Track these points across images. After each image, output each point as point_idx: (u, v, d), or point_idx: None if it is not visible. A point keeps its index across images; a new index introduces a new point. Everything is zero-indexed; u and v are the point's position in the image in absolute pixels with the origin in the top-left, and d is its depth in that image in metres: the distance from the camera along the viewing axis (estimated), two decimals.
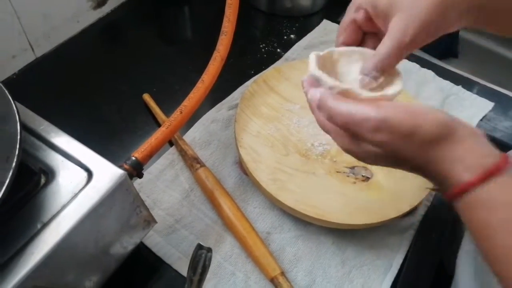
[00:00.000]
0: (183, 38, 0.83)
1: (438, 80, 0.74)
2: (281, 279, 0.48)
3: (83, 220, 0.39)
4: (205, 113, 0.65)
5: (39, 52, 0.71)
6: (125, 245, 0.45)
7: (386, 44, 0.35)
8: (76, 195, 0.41)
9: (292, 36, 0.81)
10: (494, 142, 0.32)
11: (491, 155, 0.30)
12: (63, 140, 0.45)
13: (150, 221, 0.47)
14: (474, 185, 0.29)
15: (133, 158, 0.46)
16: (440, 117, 0.31)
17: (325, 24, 0.83)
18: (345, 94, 0.35)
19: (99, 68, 0.73)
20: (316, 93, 0.36)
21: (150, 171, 0.58)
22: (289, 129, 0.59)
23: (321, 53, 0.39)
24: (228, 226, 0.53)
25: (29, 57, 0.69)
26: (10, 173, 0.36)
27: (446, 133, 0.31)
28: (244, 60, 0.75)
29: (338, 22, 0.83)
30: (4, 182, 0.35)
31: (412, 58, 0.77)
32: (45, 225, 0.38)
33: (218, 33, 0.57)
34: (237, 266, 0.51)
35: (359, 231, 0.55)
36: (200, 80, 0.54)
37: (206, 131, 0.63)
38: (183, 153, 0.59)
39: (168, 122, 0.49)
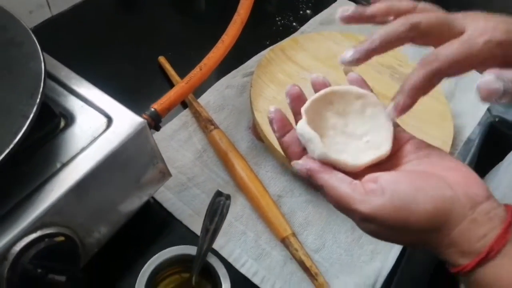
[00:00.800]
0: (198, 7, 0.83)
1: None
2: (292, 240, 0.48)
3: (101, 163, 0.39)
4: (217, 81, 0.65)
5: (55, 10, 0.71)
6: (139, 195, 0.45)
7: (454, 46, 0.31)
8: (95, 139, 0.41)
9: (308, 11, 0.81)
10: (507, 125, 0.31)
11: (487, 236, 0.28)
12: (83, 87, 0.45)
13: (165, 173, 0.47)
14: (472, 269, 0.28)
15: (152, 109, 0.46)
16: (430, 210, 0.28)
17: (341, 2, 0.83)
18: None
19: (114, 31, 0.72)
20: (305, 165, 0.32)
21: (163, 131, 0.57)
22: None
23: (313, 98, 0.35)
24: (241, 187, 0.53)
25: (45, 14, 0.69)
26: (34, 109, 0.36)
27: (438, 225, 0.29)
28: (259, 32, 0.75)
29: (354, 0, 0.83)
30: (28, 117, 0.35)
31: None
32: (64, 165, 0.39)
33: (233, 4, 0.57)
34: (248, 226, 0.51)
35: None
36: (220, 40, 0.54)
37: (220, 96, 0.63)
38: (197, 114, 0.59)
39: (188, 78, 0.49)
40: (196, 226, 0.50)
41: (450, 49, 0.31)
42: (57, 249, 0.36)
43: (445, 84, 0.70)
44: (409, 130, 0.56)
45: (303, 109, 0.34)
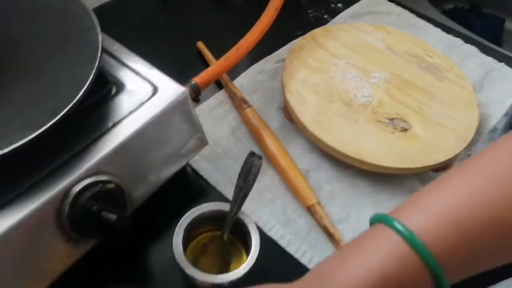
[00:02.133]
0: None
1: (481, 56, 0.76)
2: (317, 208, 0.52)
3: (147, 125, 0.44)
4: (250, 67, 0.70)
5: None
6: (179, 159, 0.49)
7: None
8: (142, 104, 0.45)
9: (339, 4, 0.84)
10: None
11: None
12: (132, 59, 0.50)
13: (202, 141, 0.51)
14: None
15: (193, 82, 0.50)
16: None
17: None
18: None
19: (157, 18, 0.79)
20: None
21: (201, 108, 0.62)
22: (334, 81, 0.62)
23: None
24: (271, 160, 0.57)
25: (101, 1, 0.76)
26: (93, 72, 0.41)
27: None
28: (291, 23, 0.78)
29: None
30: (88, 78, 0.40)
31: (455, 33, 0.79)
32: (115, 124, 0.43)
33: None
34: (276, 195, 0.55)
35: (394, 178, 0.57)
36: (256, 25, 0.58)
37: (253, 80, 0.67)
38: (232, 95, 0.63)
39: (225, 57, 0.54)
40: (229, 192, 0.53)
41: None
42: (108, 194, 0.41)
43: (475, 74, 0.71)
44: (432, 113, 0.59)
45: None
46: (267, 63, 0.70)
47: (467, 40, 0.78)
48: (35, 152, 0.38)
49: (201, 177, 0.56)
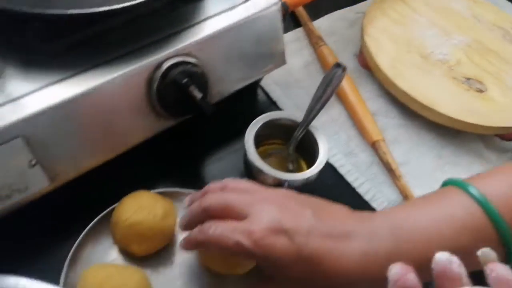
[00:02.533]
0: None
1: None
2: (381, 144, 0.52)
3: (238, 24, 0.46)
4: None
5: None
6: (258, 68, 0.51)
7: (217, 230, 0.35)
8: (236, 6, 0.47)
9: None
10: None
11: None
12: None
13: (281, 57, 0.52)
14: None
15: (283, 1, 0.52)
16: None
17: None
18: None
19: None
20: None
21: None
22: (413, 34, 0.62)
23: None
24: (341, 96, 0.58)
25: None
26: None
27: None
28: None
29: None
30: None
31: None
32: (209, 17, 0.46)
33: None
34: (342, 128, 0.56)
35: (460, 136, 0.57)
36: None
37: (331, 24, 0.68)
38: (309, 32, 0.64)
39: None
40: (298, 115, 0.55)
41: (215, 228, 0.34)
42: (195, 77, 0.43)
43: None
44: (510, 81, 0.58)
45: None
46: (348, 12, 0.71)
47: None
48: (139, 23, 0.41)
49: (270, 100, 0.57)
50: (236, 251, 0.33)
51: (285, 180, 0.43)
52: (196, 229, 0.36)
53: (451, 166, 0.54)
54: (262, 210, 0.34)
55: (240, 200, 0.36)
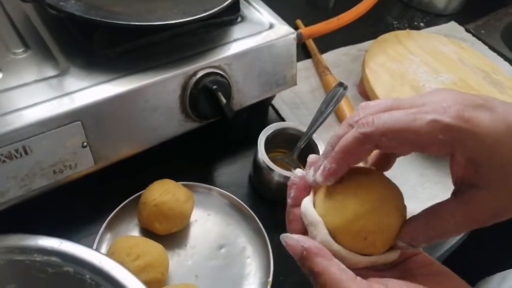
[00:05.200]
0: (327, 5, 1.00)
1: None
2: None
3: (261, 46, 0.55)
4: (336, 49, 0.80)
5: None
6: (273, 86, 0.60)
7: (396, 115, 0.27)
8: (260, 32, 0.57)
9: (421, 24, 0.94)
10: None
11: None
12: (257, 3, 0.61)
13: (294, 79, 0.61)
14: None
15: (299, 31, 0.61)
16: None
17: (452, 24, 0.95)
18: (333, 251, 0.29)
19: None
20: (302, 242, 0.28)
21: None
22: (408, 70, 0.72)
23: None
24: (340, 117, 0.66)
25: None
26: None
27: None
28: (376, 27, 0.89)
29: (463, 26, 0.95)
30: None
31: None
32: (237, 40, 0.55)
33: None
34: None
35: (444, 159, 0.65)
36: (356, 6, 0.69)
37: (337, 58, 0.78)
38: (317, 62, 0.74)
39: (327, 22, 0.65)
40: (301, 127, 0.63)
41: (389, 116, 0.27)
42: (222, 85, 0.51)
43: None
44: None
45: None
46: (351, 49, 0.81)
47: None
48: (181, 39, 0.50)
49: (280, 117, 0.66)
50: (428, 132, 0.26)
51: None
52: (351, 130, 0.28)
53: (431, 184, 0.62)
54: (440, 95, 0.28)
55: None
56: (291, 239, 0.29)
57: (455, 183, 0.29)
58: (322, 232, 0.29)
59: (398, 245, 0.29)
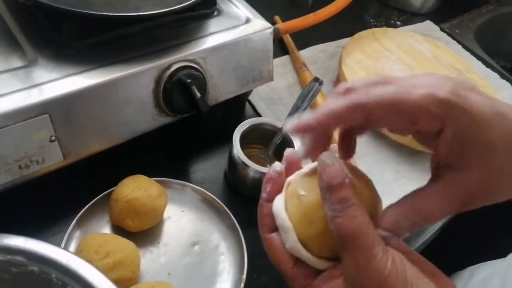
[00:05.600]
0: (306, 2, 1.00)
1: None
2: None
3: (237, 40, 0.54)
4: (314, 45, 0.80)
5: None
6: (249, 81, 0.59)
7: (389, 88, 0.27)
8: (236, 26, 0.56)
9: (398, 22, 0.95)
10: None
11: None
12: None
13: (270, 74, 0.60)
14: None
15: (276, 26, 0.61)
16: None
17: (427, 24, 0.97)
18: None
19: None
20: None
21: None
22: (384, 67, 0.72)
23: (303, 171, 0.32)
24: None
25: None
26: None
27: None
28: (354, 26, 0.90)
29: (438, 25, 0.97)
30: None
31: (495, 69, 0.89)
32: (213, 33, 0.54)
33: None
34: None
35: (418, 155, 0.65)
36: (333, 3, 0.69)
37: (314, 55, 0.78)
38: (295, 59, 0.74)
39: (304, 17, 0.64)
40: (276, 122, 0.63)
41: (383, 89, 0.27)
42: (197, 79, 0.50)
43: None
44: None
45: (286, 182, 0.32)
46: (329, 46, 0.81)
47: (503, 76, 0.88)
48: (156, 31, 0.49)
49: (256, 112, 0.66)
50: (422, 105, 0.26)
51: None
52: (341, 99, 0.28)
53: (406, 180, 0.62)
54: (430, 76, 0.28)
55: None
56: (338, 163, 0.27)
57: (436, 164, 0.29)
58: (292, 239, 0.29)
59: (381, 235, 0.28)
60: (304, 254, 0.29)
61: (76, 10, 0.42)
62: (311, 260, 0.29)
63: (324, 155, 0.27)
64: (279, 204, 0.31)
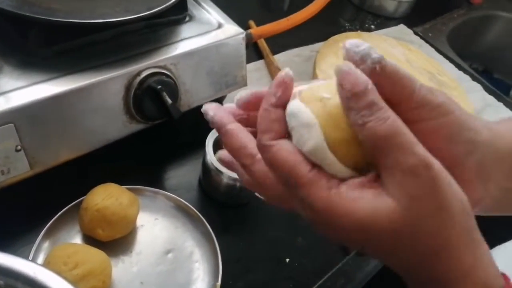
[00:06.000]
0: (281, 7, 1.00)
1: (484, 93, 0.87)
2: None
3: (209, 46, 0.54)
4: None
5: None
6: (222, 87, 0.59)
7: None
8: (208, 32, 0.56)
9: (372, 26, 0.97)
10: None
11: (498, 276, 0.25)
12: (206, 3, 0.60)
13: (244, 80, 0.60)
14: None
15: (249, 31, 0.61)
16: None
17: (401, 27, 0.98)
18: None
19: None
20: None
21: None
22: None
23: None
24: None
25: None
26: None
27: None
28: (328, 29, 0.90)
29: (412, 29, 0.98)
30: None
31: (467, 72, 0.91)
32: (184, 39, 0.53)
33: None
34: None
35: None
36: (305, 8, 0.69)
37: (289, 59, 0.78)
38: (270, 63, 0.74)
39: (277, 22, 0.65)
40: None
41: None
42: (167, 86, 0.50)
43: (475, 105, 0.82)
44: None
45: (295, 91, 0.28)
46: (304, 50, 0.81)
47: (474, 78, 0.89)
48: (125, 38, 0.48)
49: None
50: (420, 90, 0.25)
51: (239, 180, 0.50)
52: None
53: None
54: None
55: None
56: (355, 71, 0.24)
57: None
58: (317, 137, 0.25)
59: None
60: (329, 156, 0.25)
61: (42, 17, 0.41)
62: (336, 165, 0.25)
63: (340, 65, 0.25)
64: (297, 105, 0.27)
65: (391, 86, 0.25)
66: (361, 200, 0.24)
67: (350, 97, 0.24)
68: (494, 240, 0.61)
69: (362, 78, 0.24)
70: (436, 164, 0.23)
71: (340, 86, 0.25)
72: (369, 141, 0.24)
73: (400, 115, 0.24)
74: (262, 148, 0.27)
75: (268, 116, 0.27)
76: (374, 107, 0.24)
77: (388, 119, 0.23)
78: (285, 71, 0.28)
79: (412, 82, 0.25)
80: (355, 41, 0.26)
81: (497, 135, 0.29)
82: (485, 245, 0.25)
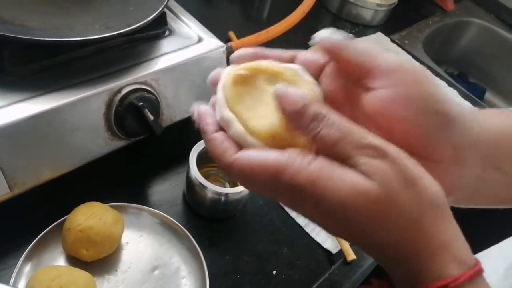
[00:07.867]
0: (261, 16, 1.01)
1: (460, 99, 0.89)
2: None
3: (189, 60, 0.54)
4: None
5: None
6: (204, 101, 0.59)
7: None
8: (188, 46, 0.56)
9: (350, 34, 0.98)
10: None
11: (470, 252, 0.26)
12: (186, 17, 0.60)
13: None
14: (464, 281, 0.24)
15: (229, 44, 0.61)
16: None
17: (378, 35, 1.00)
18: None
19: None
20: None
21: None
22: None
23: (242, 72, 0.30)
24: None
25: None
26: (162, 7, 0.51)
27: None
28: (309, 38, 0.91)
29: (389, 36, 1.00)
30: (158, 9, 0.51)
31: (443, 78, 0.93)
32: (165, 54, 0.53)
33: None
34: None
35: None
36: (285, 19, 0.70)
37: None
38: None
39: (257, 34, 0.65)
40: None
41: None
42: (149, 102, 0.49)
43: None
44: None
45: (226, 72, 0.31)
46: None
47: (450, 84, 0.92)
48: (105, 54, 0.48)
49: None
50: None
51: (224, 194, 0.50)
52: None
53: None
54: None
55: None
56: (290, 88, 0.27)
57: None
58: (237, 126, 0.27)
59: None
60: (249, 139, 0.27)
61: (18, 36, 0.40)
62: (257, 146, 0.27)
63: (275, 90, 0.27)
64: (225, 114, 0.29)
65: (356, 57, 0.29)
66: (339, 179, 0.25)
67: (295, 116, 0.26)
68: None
69: (297, 96, 0.26)
70: (392, 149, 0.25)
71: (282, 110, 0.27)
72: (327, 148, 0.25)
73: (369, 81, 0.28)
74: (226, 169, 0.27)
75: (216, 143, 0.28)
76: (319, 117, 0.25)
77: (334, 124, 0.25)
78: (195, 110, 0.31)
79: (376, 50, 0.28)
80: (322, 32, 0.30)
81: (479, 118, 0.29)
82: (455, 222, 0.26)
